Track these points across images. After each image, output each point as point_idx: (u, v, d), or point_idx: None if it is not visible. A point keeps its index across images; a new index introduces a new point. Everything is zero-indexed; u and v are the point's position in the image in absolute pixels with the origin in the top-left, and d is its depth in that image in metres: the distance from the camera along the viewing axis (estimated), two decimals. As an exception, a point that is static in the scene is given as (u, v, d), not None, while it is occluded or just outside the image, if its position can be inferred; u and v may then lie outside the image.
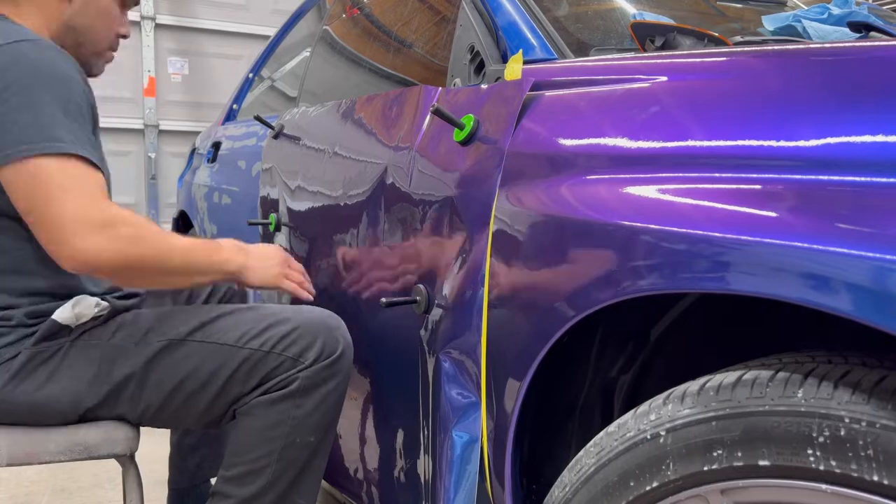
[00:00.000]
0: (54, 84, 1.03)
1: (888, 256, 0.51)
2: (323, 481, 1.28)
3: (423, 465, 1.11)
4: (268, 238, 1.67)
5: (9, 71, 1.01)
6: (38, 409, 1.07)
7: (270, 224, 1.58)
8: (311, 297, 1.26)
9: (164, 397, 1.10)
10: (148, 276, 1.08)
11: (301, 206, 1.49)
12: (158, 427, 1.19)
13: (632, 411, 0.72)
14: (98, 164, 1.04)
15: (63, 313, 1.07)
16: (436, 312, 1.04)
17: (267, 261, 1.20)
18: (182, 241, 1.11)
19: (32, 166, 0.99)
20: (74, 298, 1.09)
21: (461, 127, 1.00)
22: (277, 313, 1.15)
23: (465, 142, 0.99)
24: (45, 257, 1.04)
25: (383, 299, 1.10)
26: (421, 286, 1.08)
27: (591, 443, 0.75)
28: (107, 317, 1.11)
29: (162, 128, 4.73)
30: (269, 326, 1.12)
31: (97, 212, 1.00)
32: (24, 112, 1.00)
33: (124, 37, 1.24)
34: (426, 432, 1.10)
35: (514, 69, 0.99)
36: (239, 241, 1.21)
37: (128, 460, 1.14)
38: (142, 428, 1.15)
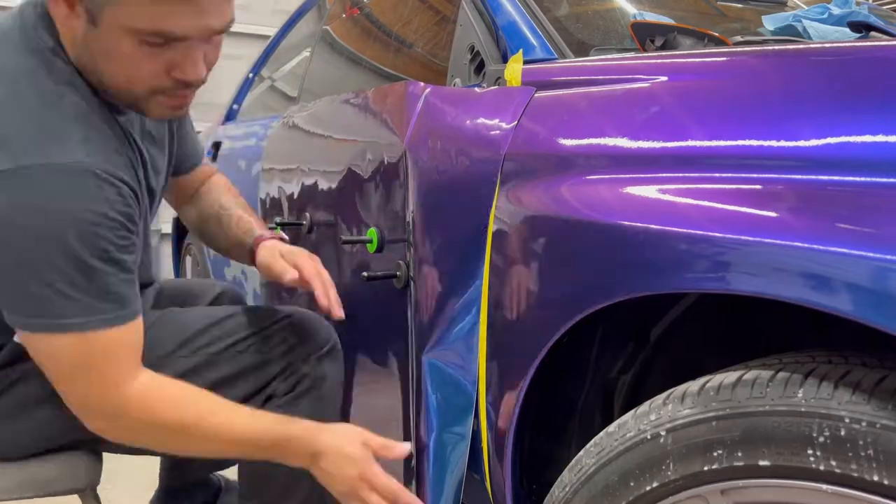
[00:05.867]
0: (63, 252, 0.82)
1: (888, 256, 0.51)
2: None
3: (412, 460, 1.11)
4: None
5: (12, 221, 0.80)
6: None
7: (276, 229, 1.57)
8: None
9: None
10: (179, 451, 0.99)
11: (295, 201, 1.49)
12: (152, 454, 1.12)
13: (632, 411, 0.72)
14: (115, 317, 0.87)
15: None
16: (433, 310, 1.04)
17: (339, 475, 0.97)
18: (234, 427, 0.94)
19: (36, 340, 0.86)
20: None
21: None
22: (264, 316, 1.13)
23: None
24: None
25: (364, 273, 1.11)
26: (401, 262, 1.09)
27: (592, 443, 0.75)
28: None
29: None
30: (256, 332, 1.10)
31: (102, 400, 0.89)
32: (21, 281, 0.83)
33: (189, 84, 0.88)
34: (416, 430, 1.10)
35: (514, 69, 0.99)
36: (318, 447, 0.96)
37: (88, 495, 1.05)
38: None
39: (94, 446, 1.04)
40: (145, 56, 0.84)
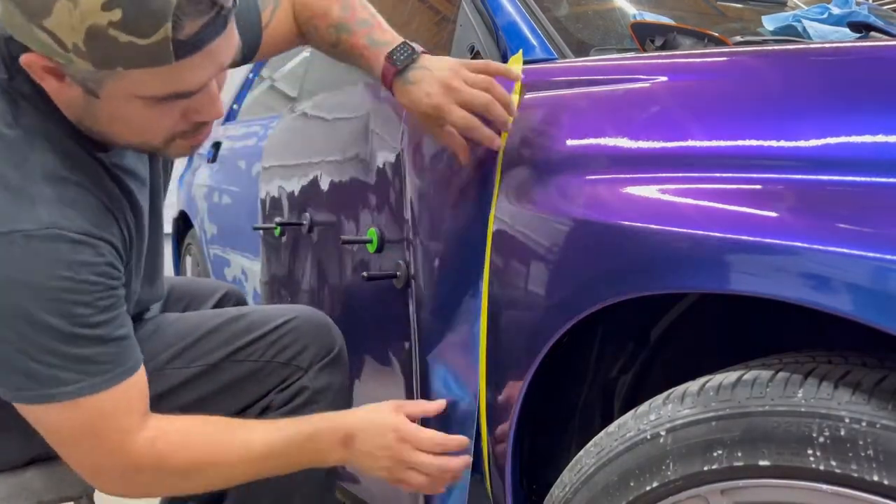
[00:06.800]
0: (40, 327, 0.76)
1: (888, 256, 0.51)
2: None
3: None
4: (271, 242, 1.67)
5: None
6: None
7: (276, 229, 1.57)
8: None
9: None
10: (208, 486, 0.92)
11: (295, 200, 1.50)
12: None
13: (632, 411, 0.72)
14: (111, 378, 0.81)
15: None
16: (434, 311, 1.04)
17: (377, 446, 0.92)
18: (253, 445, 0.88)
19: (28, 411, 0.82)
20: None
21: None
22: (264, 321, 1.07)
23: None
24: None
25: (364, 273, 1.10)
26: (400, 262, 1.08)
27: (592, 443, 0.76)
28: None
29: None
30: (255, 339, 1.05)
31: (111, 461, 0.84)
32: (2, 357, 0.78)
33: (202, 123, 0.84)
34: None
35: (514, 69, 0.99)
36: (347, 427, 0.92)
37: (85, 501, 1.03)
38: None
39: None
40: (159, 114, 0.78)
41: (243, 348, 1.04)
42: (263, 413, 1.05)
